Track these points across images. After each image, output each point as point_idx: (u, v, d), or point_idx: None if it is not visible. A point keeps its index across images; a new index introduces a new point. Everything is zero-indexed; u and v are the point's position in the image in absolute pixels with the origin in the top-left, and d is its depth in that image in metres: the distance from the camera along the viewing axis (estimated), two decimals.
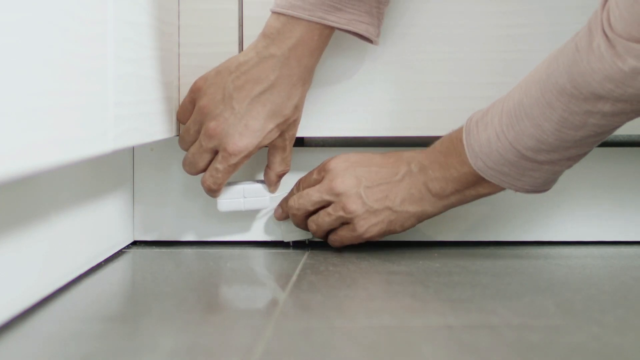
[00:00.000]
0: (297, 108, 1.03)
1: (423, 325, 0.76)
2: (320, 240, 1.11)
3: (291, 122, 1.04)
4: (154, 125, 0.97)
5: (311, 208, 1.05)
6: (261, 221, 1.13)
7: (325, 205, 1.05)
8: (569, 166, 0.97)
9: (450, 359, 0.67)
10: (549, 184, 0.99)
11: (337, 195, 1.03)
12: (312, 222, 1.06)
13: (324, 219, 1.05)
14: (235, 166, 1.02)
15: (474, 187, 1.01)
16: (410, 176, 1.02)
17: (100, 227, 1.00)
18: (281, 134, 1.04)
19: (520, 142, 0.95)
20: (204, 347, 0.69)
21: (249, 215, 1.13)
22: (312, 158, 1.12)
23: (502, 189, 1.00)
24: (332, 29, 1.01)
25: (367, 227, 1.04)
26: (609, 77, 0.87)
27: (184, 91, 1.06)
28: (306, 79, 1.02)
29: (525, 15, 1.07)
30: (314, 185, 1.06)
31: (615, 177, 1.14)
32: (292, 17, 0.99)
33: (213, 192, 1.05)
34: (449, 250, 1.09)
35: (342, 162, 1.04)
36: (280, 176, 1.08)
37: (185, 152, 1.06)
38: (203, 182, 1.05)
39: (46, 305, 0.80)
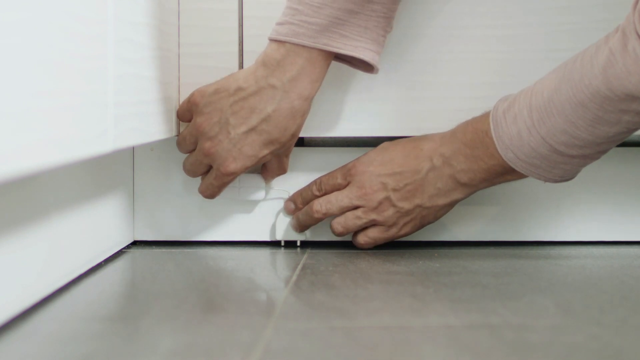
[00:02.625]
0: (294, 135, 1.02)
1: (423, 325, 0.76)
2: (314, 241, 1.11)
3: (288, 146, 1.04)
4: (153, 125, 0.97)
5: (338, 213, 1.06)
6: (261, 221, 1.13)
7: (351, 208, 1.05)
8: (598, 158, 0.97)
9: (450, 359, 0.67)
10: (576, 174, 1.00)
11: (368, 200, 1.04)
12: (338, 224, 1.06)
13: (354, 222, 1.06)
14: (229, 182, 1.04)
15: (503, 175, 1.01)
16: (434, 171, 1.03)
17: (100, 227, 1.00)
18: (277, 154, 1.05)
19: (552, 137, 0.95)
20: (204, 347, 0.69)
21: (249, 215, 1.12)
22: (312, 158, 1.12)
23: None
24: (332, 56, 0.99)
25: (401, 226, 1.05)
26: None
27: (184, 91, 1.06)
28: (305, 110, 1.00)
29: (523, 16, 1.07)
30: (338, 189, 1.07)
31: (615, 177, 1.14)
32: (295, 45, 0.97)
33: (210, 199, 1.07)
34: (449, 250, 1.09)
35: (367, 166, 1.05)
36: (276, 177, 1.10)
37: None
38: (199, 191, 1.07)
39: (46, 305, 0.80)
